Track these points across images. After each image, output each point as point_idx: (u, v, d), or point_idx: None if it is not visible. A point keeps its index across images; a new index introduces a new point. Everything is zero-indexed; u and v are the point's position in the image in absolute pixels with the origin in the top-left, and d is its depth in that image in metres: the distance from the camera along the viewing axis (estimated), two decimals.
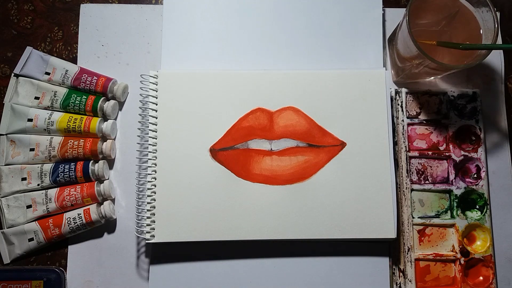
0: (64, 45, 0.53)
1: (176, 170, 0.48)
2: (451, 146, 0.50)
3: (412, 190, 0.49)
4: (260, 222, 0.47)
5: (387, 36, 0.53)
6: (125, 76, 0.52)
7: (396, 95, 0.51)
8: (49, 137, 0.49)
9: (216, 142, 0.48)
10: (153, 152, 0.48)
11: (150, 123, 0.48)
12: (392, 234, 0.47)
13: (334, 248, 0.49)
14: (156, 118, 0.49)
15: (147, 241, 0.47)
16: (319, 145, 0.48)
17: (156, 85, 0.49)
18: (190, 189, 0.47)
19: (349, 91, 0.49)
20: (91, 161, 0.49)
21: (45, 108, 0.50)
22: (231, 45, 0.52)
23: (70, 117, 0.49)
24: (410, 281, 0.47)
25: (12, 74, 0.51)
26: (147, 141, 0.48)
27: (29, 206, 0.48)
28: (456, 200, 0.49)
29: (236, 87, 0.49)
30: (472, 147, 0.50)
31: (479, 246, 0.49)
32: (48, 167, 0.49)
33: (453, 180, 0.49)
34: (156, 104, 0.49)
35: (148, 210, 0.47)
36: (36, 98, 0.50)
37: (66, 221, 0.48)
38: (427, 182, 0.50)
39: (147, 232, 0.47)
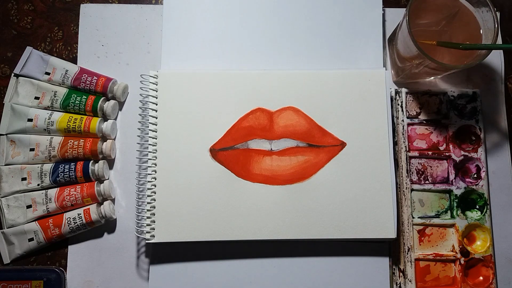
0: (64, 45, 0.53)
1: (176, 170, 0.48)
2: (451, 146, 0.50)
3: (412, 190, 0.49)
4: (260, 222, 0.47)
5: (387, 36, 0.53)
6: (125, 76, 0.52)
7: (396, 95, 0.51)
8: (49, 137, 0.49)
9: (216, 142, 0.48)
10: (153, 152, 0.48)
11: (150, 123, 0.48)
12: (392, 234, 0.47)
13: (334, 248, 0.49)
14: (156, 118, 0.49)
15: (147, 241, 0.47)
16: (319, 145, 0.48)
17: (156, 85, 0.49)
18: (190, 189, 0.48)
19: (349, 91, 0.49)
20: (91, 161, 0.49)
21: (45, 108, 0.50)
22: (231, 45, 0.52)
23: (70, 117, 0.49)
24: (410, 281, 0.47)
25: (12, 74, 0.51)
26: (147, 141, 0.48)
27: (29, 206, 0.48)
28: (456, 200, 0.49)
29: (236, 87, 0.49)
30: (472, 147, 0.50)
31: (479, 246, 0.49)
32: (48, 167, 0.49)
33: (453, 180, 0.49)
34: (156, 104, 0.49)
35: (148, 210, 0.47)
36: (36, 98, 0.50)
37: (66, 221, 0.48)
38: (427, 182, 0.50)
39: (147, 232, 0.47)
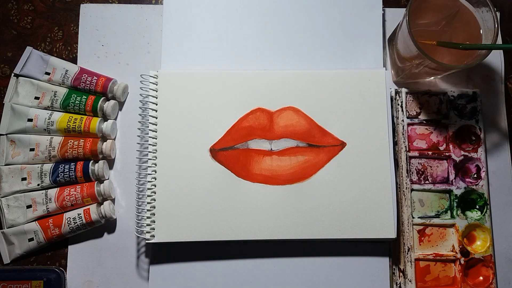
0: (64, 45, 0.53)
1: (176, 170, 0.48)
2: (451, 146, 0.50)
3: (412, 190, 0.49)
4: (260, 222, 0.47)
5: (387, 36, 0.53)
6: (125, 76, 0.52)
7: (396, 95, 0.51)
8: (49, 137, 0.49)
9: (216, 142, 0.48)
10: (153, 152, 0.48)
11: (150, 123, 0.48)
12: (392, 234, 0.47)
13: (334, 248, 0.49)
14: (156, 118, 0.49)
15: (147, 241, 0.47)
16: (319, 145, 0.48)
17: (156, 85, 0.49)
18: (190, 189, 0.48)
19: (349, 91, 0.49)
20: (91, 161, 0.49)
21: (45, 108, 0.50)
22: (231, 45, 0.52)
23: (70, 117, 0.49)
24: (410, 281, 0.47)
25: (12, 74, 0.51)
26: (147, 141, 0.48)
27: (29, 206, 0.48)
28: (456, 200, 0.49)
29: (236, 87, 0.49)
30: (472, 147, 0.50)
31: (479, 246, 0.49)
32: (48, 167, 0.49)
33: (453, 180, 0.49)
34: (156, 104, 0.49)
35: (148, 210, 0.47)
36: (36, 98, 0.50)
37: (66, 221, 0.48)
38: (427, 182, 0.50)
39: (147, 232, 0.47)
